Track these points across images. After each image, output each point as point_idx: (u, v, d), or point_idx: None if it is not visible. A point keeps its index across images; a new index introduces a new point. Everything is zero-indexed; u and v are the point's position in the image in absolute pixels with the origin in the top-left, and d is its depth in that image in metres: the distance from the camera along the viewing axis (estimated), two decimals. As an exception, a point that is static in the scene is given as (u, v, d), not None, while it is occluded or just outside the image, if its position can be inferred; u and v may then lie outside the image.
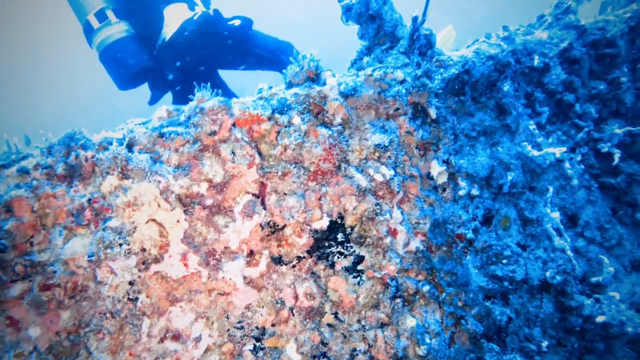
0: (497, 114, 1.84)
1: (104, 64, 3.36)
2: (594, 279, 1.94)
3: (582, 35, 2.07)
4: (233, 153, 1.29)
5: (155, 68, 3.34)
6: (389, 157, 1.52)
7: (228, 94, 4.21)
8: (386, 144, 1.49)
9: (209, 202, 1.29)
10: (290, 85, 1.51)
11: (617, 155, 2.07)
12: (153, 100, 3.84)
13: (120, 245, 0.98)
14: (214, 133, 1.28)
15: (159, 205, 1.12)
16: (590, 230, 2.04)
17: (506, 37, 1.87)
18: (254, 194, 1.35)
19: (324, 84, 1.47)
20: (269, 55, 3.46)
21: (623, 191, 2.13)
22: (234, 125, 1.32)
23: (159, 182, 1.16)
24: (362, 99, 1.49)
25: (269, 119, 1.34)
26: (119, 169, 1.06)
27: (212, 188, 1.29)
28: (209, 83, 4.03)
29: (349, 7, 1.69)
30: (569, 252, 1.88)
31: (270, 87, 1.61)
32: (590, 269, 2.01)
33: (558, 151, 1.74)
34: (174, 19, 3.49)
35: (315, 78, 1.49)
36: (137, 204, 1.05)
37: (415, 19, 1.60)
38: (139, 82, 3.47)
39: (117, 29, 3.31)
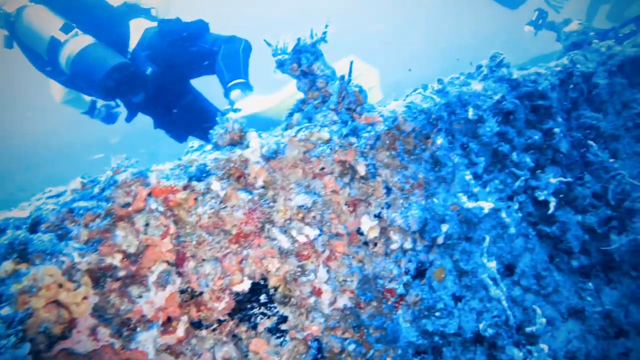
0: (432, 165, 1.88)
1: (78, 74, 3.27)
2: (528, 329, 1.97)
3: (515, 88, 2.14)
4: (147, 224, 1.29)
5: (132, 69, 3.34)
6: (314, 216, 1.54)
7: (203, 104, 4.13)
8: (309, 205, 1.50)
9: (122, 273, 1.27)
10: (216, 146, 1.52)
11: (552, 204, 2.13)
12: (130, 117, 3.86)
13: (9, 336, 0.96)
14: (127, 205, 1.27)
15: (60, 286, 1.11)
16: (527, 278, 2.08)
17: (440, 90, 1.93)
18: (170, 262, 1.34)
19: (248, 145, 1.49)
20: (209, 46, 3.50)
21: (559, 239, 2.19)
22: (150, 194, 1.32)
23: (63, 261, 1.14)
24: (287, 159, 1.51)
25: (185, 187, 1.34)
26: (16, 255, 1.05)
27: (125, 259, 1.28)
28: (184, 95, 3.93)
29: (282, 62, 1.72)
30: (504, 303, 1.91)
31: (201, 147, 1.62)
32: (526, 318, 2.04)
33: (487, 206, 1.78)
34: (138, 28, 3.60)
35: (239, 140, 1.50)
36: (32, 290, 1.03)
37: (342, 78, 1.64)
38: (121, 88, 3.38)
39: (85, 39, 3.30)
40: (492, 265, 1.94)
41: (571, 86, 2.54)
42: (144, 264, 1.31)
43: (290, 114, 1.68)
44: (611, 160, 2.53)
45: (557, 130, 2.22)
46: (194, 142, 1.60)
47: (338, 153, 1.55)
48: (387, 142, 1.70)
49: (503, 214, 2.03)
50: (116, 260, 1.27)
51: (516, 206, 2.13)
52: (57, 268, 1.13)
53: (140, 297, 1.30)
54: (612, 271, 2.58)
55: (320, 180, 1.54)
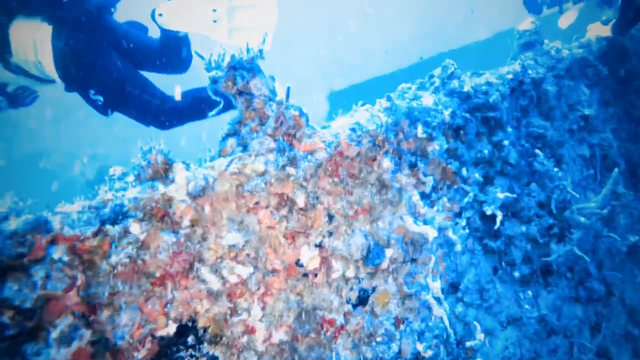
0: (379, 188, 1.81)
1: None
2: (468, 344, 2.01)
3: (465, 100, 2.09)
4: (47, 276, 1.14)
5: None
6: (247, 254, 1.44)
7: (143, 87, 3.43)
8: (241, 244, 1.39)
9: (12, 331, 1.13)
10: (139, 180, 1.36)
11: (499, 218, 2.14)
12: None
13: None
14: (21, 255, 1.11)
15: None
16: (470, 294, 2.11)
17: (388, 108, 1.83)
18: (78, 315, 1.20)
19: (174, 180, 1.34)
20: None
21: (503, 252, 2.22)
22: (53, 241, 1.16)
23: None
24: (217, 194, 1.38)
25: (96, 234, 1.19)
26: None
27: (19, 315, 1.13)
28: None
29: (215, 79, 1.56)
30: (446, 321, 1.92)
31: (123, 175, 1.45)
32: (467, 332, 2.08)
33: (432, 234, 1.75)
34: None
35: (164, 173, 1.35)
36: None
37: (280, 103, 1.50)
38: None
39: None
40: (437, 285, 1.93)
41: (521, 94, 2.53)
42: (45, 319, 1.16)
43: (224, 138, 1.53)
44: (556, 169, 2.57)
45: (506, 142, 2.21)
46: (115, 168, 1.43)
47: (274, 186, 1.44)
48: (330, 168, 1.60)
49: (449, 233, 2.02)
50: (5, 317, 1.12)
51: (463, 222, 2.12)
52: None
53: (37, 354, 1.16)
54: (550, 275, 2.69)
55: (255, 215, 1.43)
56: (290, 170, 1.47)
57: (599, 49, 3.26)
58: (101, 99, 3.23)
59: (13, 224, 1.10)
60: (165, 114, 3.41)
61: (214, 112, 1.96)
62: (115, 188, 1.37)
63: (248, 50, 1.51)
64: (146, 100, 3.34)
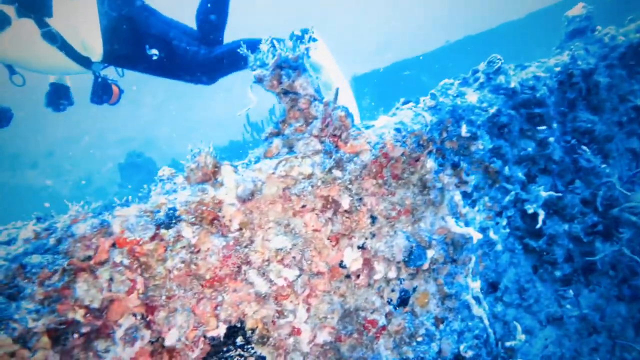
0: (421, 189, 1.79)
1: None
2: (507, 343, 1.99)
3: (511, 97, 2.01)
4: (111, 279, 1.19)
5: None
6: (294, 257, 1.45)
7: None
8: (288, 248, 1.41)
9: (85, 329, 1.19)
10: (188, 182, 1.39)
11: (541, 217, 2.08)
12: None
13: None
14: (89, 258, 1.17)
15: (12, 356, 1.03)
16: (510, 294, 2.08)
17: (432, 107, 1.79)
18: (138, 316, 1.26)
19: (222, 183, 1.36)
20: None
21: (544, 251, 2.17)
22: (114, 244, 1.21)
23: (14, 328, 1.05)
24: (265, 198, 1.40)
25: (153, 237, 1.23)
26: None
27: (89, 314, 1.19)
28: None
29: (261, 78, 1.55)
30: (486, 321, 1.91)
31: (173, 176, 1.48)
32: (506, 332, 2.06)
33: (476, 237, 1.72)
34: None
35: (213, 175, 1.37)
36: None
37: (328, 104, 1.49)
38: None
39: None
40: (477, 284, 1.91)
41: (569, 87, 2.41)
42: (110, 318, 1.22)
43: (268, 139, 1.54)
44: (603, 165, 2.46)
45: (551, 139, 2.12)
46: (164, 169, 1.46)
47: (321, 189, 1.44)
48: (374, 170, 1.59)
49: (490, 233, 1.98)
50: (78, 315, 1.18)
51: (504, 222, 2.08)
52: (8, 337, 1.04)
53: (107, 351, 1.23)
54: (591, 273, 2.61)
55: (301, 218, 1.44)
56: (337, 172, 1.46)
57: (658, 32, 3.05)
58: (157, 52, 3.20)
59: (82, 228, 1.15)
60: (211, 64, 3.38)
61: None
62: (165, 190, 1.40)
63: (294, 48, 1.50)
64: (193, 52, 3.31)
